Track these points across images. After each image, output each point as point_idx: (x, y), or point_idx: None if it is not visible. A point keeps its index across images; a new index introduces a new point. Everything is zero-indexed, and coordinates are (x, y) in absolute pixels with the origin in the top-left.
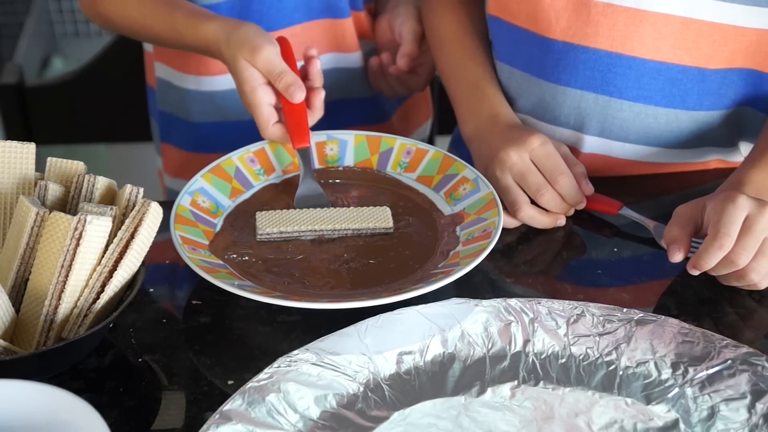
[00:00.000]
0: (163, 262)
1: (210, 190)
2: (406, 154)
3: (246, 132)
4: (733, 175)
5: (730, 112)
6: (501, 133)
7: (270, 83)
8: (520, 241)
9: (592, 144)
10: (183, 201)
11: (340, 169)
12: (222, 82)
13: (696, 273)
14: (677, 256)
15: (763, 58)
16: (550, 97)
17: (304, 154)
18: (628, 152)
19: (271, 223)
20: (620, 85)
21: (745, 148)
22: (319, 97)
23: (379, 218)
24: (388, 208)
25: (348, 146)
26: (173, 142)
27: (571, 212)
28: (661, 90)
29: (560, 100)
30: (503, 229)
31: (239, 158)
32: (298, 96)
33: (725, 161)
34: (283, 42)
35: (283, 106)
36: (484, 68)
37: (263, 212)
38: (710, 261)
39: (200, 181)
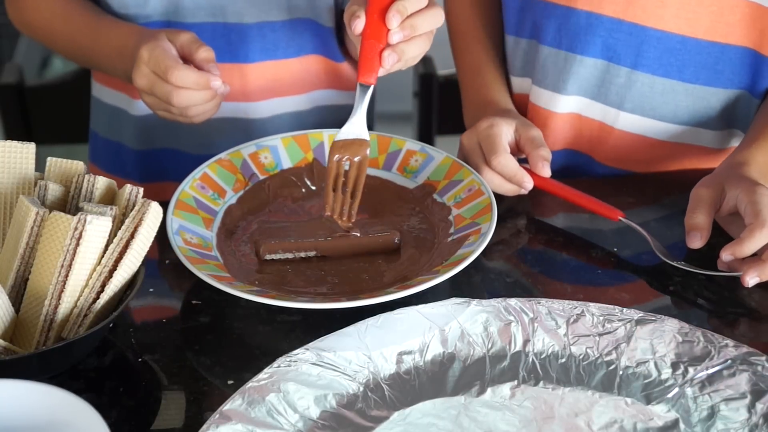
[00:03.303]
0: (163, 262)
1: (215, 179)
2: (413, 159)
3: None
4: (737, 155)
5: (727, 94)
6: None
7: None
8: (520, 240)
9: (592, 109)
10: (186, 187)
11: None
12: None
13: (730, 259)
14: (697, 243)
15: (759, 36)
16: (550, 63)
17: (363, 92)
18: (623, 123)
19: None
20: (619, 51)
21: (737, 139)
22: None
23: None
24: (397, 234)
25: None
26: (102, 166)
27: (524, 190)
28: (659, 59)
29: (560, 65)
30: (503, 229)
31: (250, 155)
32: (214, 78)
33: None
34: None
35: (363, 31)
36: (487, 51)
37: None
38: (754, 248)
39: (205, 170)
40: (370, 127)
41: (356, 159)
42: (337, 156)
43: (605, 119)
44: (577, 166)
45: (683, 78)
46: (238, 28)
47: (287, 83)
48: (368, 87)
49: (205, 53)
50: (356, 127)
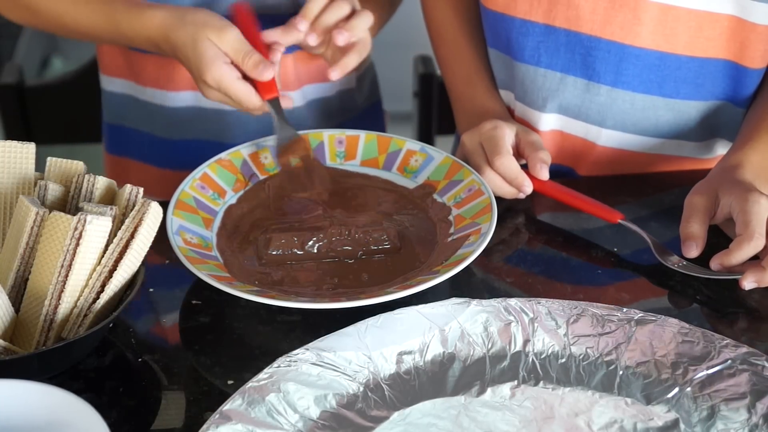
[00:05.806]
0: (163, 262)
1: (215, 179)
2: (413, 159)
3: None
4: (730, 157)
5: (708, 105)
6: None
7: (233, 63)
8: (520, 240)
9: (573, 127)
10: (186, 187)
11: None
12: (184, 98)
13: (719, 268)
14: (693, 252)
15: (739, 48)
16: (529, 81)
17: (275, 105)
18: (605, 139)
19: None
20: (599, 69)
21: (721, 147)
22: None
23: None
24: (391, 231)
25: (358, 143)
26: (123, 153)
27: (523, 194)
28: (639, 76)
29: (539, 83)
30: (503, 229)
31: (250, 155)
32: (267, 74)
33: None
34: (241, 12)
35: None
36: (477, 60)
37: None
38: (741, 259)
39: (205, 170)
40: (377, 127)
41: (302, 156)
42: (287, 160)
43: (587, 136)
44: (559, 178)
45: (663, 93)
46: None
47: (281, 81)
48: (276, 99)
49: (251, 63)
50: (285, 131)
